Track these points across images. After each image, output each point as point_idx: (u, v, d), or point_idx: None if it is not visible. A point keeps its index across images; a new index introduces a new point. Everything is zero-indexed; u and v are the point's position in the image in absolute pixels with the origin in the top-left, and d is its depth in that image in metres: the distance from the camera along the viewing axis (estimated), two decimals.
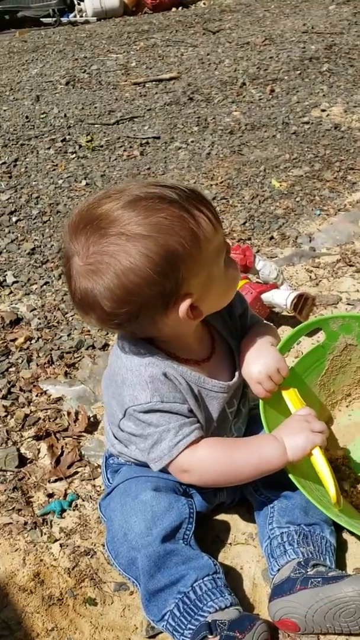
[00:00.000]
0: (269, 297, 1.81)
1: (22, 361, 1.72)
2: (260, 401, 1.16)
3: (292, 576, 1.06)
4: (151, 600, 1.06)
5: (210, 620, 1.00)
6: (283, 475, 1.16)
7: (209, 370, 1.15)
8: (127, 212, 0.96)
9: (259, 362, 1.14)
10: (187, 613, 1.02)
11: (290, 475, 1.09)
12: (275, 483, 1.17)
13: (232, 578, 1.19)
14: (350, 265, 2.13)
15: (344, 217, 2.41)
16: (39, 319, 1.89)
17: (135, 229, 0.95)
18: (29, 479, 1.39)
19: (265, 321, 1.30)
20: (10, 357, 1.74)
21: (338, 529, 1.20)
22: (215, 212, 1.03)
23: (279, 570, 1.09)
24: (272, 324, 1.32)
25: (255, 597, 1.17)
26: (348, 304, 1.94)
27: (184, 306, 1.01)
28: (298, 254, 2.19)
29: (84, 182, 2.71)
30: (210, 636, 0.98)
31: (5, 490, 1.35)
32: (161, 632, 1.12)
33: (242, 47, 4.49)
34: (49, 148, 3.05)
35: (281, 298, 1.79)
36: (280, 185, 2.65)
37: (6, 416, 1.55)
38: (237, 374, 1.18)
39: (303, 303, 1.79)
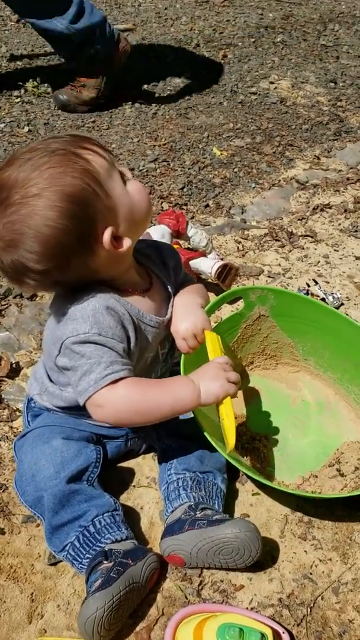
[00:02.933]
0: (196, 264, 1.91)
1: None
2: (182, 355, 1.27)
3: (183, 517, 1.19)
4: (54, 533, 1.17)
5: (106, 549, 1.12)
6: (185, 426, 1.29)
7: (148, 305, 1.22)
8: (20, 175, 1.01)
9: (187, 320, 1.24)
10: (86, 544, 1.14)
11: (194, 413, 1.20)
12: (177, 433, 1.30)
13: (132, 517, 1.32)
14: (276, 240, 2.25)
15: (277, 193, 2.53)
16: None
17: (32, 189, 1.01)
18: None
19: (197, 282, 1.40)
20: None
21: (230, 479, 1.34)
22: (99, 143, 1.09)
23: (172, 511, 1.23)
24: (202, 286, 1.40)
25: (151, 535, 1.30)
26: (269, 277, 2.07)
27: (106, 238, 1.07)
28: (229, 224, 2.29)
29: (26, 129, 2.69)
30: (105, 562, 1.09)
31: None
32: (61, 561, 1.24)
33: (201, 5, 4.45)
34: None
35: (207, 266, 1.89)
36: (221, 154, 2.73)
37: None
38: (169, 311, 1.27)
39: (227, 273, 1.90)
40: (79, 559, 1.14)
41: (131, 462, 1.44)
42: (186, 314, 1.25)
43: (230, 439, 1.14)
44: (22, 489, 1.22)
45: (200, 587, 1.21)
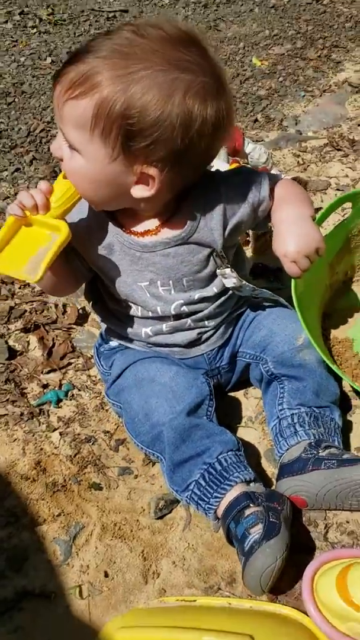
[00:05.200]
0: None
1: None
2: (293, 281, 1.10)
3: (303, 456, 1.06)
4: (175, 471, 1.06)
5: (249, 492, 1.00)
6: (294, 356, 1.14)
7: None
8: None
9: (298, 240, 1.03)
10: (213, 482, 1.02)
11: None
12: (286, 362, 1.15)
13: None
14: (338, 149, 2.04)
15: (330, 99, 2.29)
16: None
17: None
18: (20, 370, 1.34)
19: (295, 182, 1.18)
20: None
21: (343, 411, 1.20)
22: None
23: (287, 449, 1.09)
24: (298, 184, 1.17)
25: (260, 476, 1.18)
26: (337, 190, 1.87)
27: None
28: (284, 137, 2.08)
29: (49, 60, 2.48)
30: (252, 505, 0.98)
31: None
32: (168, 513, 1.13)
33: None
34: (5, 22, 2.75)
35: None
36: (262, 64, 2.48)
37: None
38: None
39: None
40: (205, 499, 1.03)
41: (222, 402, 1.30)
42: (294, 230, 1.05)
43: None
44: (135, 431, 1.11)
45: (326, 531, 1.09)
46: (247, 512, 0.98)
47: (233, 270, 1.12)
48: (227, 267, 1.11)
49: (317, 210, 1.22)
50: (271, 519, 0.95)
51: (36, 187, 0.99)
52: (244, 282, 1.14)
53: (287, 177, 1.70)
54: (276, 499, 0.99)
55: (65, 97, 0.92)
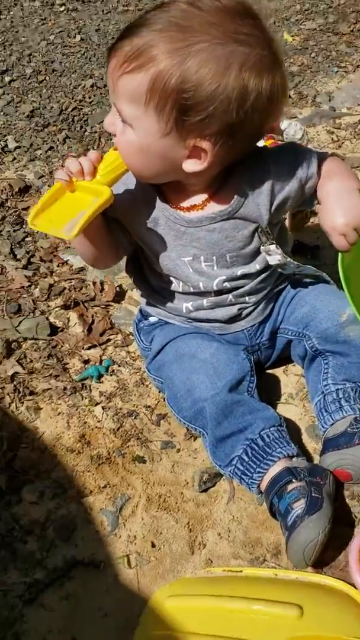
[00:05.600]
0: None
1: (38, 231, 1.63)
2: (340, 255, 1.09)
3: (350, 431, 1.07)
4: (218, 446, 1.08)
5: (291, 467, 1.01)
6: (339, 332, 1.14)
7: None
8: None
9: (346, 212, 1.03)
10: (256, 457, 1.03)
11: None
12: (330, 338, 1.15)
13: None
14: None
15: None
16: (48, 185, 1.78)
17: None
18: (62, 346, 1.36)
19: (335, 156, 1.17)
20: (25, 226, 1.64)
21: None
22: None
23: (332, 424, 1.10)
24: (341, 160, 1.18)
25: (302, 451, 1.19)
26: None
27: None
28: (318, 114, 2.06)
29: (78, 38, 2.46)
30: (295, 481, 0.99)
31: (40, 358, 1.32)
32: (212, 487, 1.14)
33: None
34: (33, 0, 2.74)
35: None
36: (294, 40, 2.44)
37: (29, 286, 1.48)
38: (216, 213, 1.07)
39: None
40: (248, 474, 1.04)
41: (262, 379, 1.31)
42: (343, 204, 1.04)
43: None
44: (177, 406, 1.13)
45: None
46: (290, 487, 0.99)
47: (278, 247, 1.12)
48: (272, 244, 1.11)
49: None
50: (314, 494, 0.96)
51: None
52: (289, 259, 1.13)
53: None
54: (319, 474, 1.00)
55: (120, 71, 0.91)
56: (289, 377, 1.33)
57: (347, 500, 1.10)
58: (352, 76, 2.26)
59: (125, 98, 0.93)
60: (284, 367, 1.34)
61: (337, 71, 2.28)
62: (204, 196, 1.08)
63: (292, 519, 0.96)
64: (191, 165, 0.98)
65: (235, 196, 1.07)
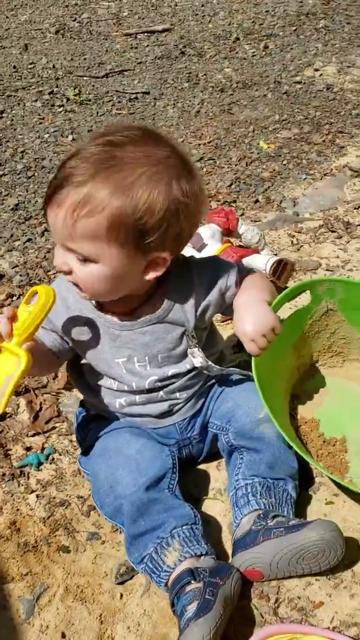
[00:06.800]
0: (249, 261, 1.83)
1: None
2: (253, 359, 1.19)
3: (254, 529, 1.12)
4: (132, 544, 1.13)
5: (192, 568, 1.05)
6: (254, 428, 1.22)
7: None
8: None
9: (255, 320, 1.16)
10: (164, 556, 1.08)
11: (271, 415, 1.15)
12: (246, 434, 1.23)
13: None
14: (332, 231, 2.15)
15: (330, 182, 2.42)
16: (20, 276, 1.91)
17: None
18: (7, 432, 1.44)
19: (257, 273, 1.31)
20: None
21: (301, 487, 1.26)
22: None
23: (238, 524, 1.15)
24: (264, 275, 1.32)
25: (222, 549, 1.23)
26: (327, 270, 1.97)
27: None
28: (281, 218, 2.20)
29: (70, 137, 2.68)
30: (193, 582, 1.03)
31: None
32: (129, 579, 1.19)
33: None
34: (35, 100, 3.00)
35: (261, 263, 1.81)
36: (268, 147, 2.64)
37: None
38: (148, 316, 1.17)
39: (282, 268, 1.82)
40: (157, 572, 1.09)
41: (193, 473, 1.37)
42: (252, 313, 1.16)
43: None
44: (100, 501, 1.19)
45: (276, 605, 1.13)
46: (188, 588, 1.03)
47: (201, 350, 1.21)
48: (196, 347, 1.21)
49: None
50: (206, 596, 0.99)
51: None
52: (210, 363, 1.23)
53: (277, 257, 1.81)
54: (221, 574, 1.04)
55: (73, 218, 1.01)
56: (221, 472, 1.38)
57: (255, 599, 1.14)
58: (318, 183, 2.42)
59: (84, 239, 1.03)
60: (217, 461, 1.40)
61: (305, 178, 2.45)
62: (136, 302, 1.19)
63: (184, 621, 0.99)
64: (152, 274, 1.10)
65: (165, 302, 1.18)
